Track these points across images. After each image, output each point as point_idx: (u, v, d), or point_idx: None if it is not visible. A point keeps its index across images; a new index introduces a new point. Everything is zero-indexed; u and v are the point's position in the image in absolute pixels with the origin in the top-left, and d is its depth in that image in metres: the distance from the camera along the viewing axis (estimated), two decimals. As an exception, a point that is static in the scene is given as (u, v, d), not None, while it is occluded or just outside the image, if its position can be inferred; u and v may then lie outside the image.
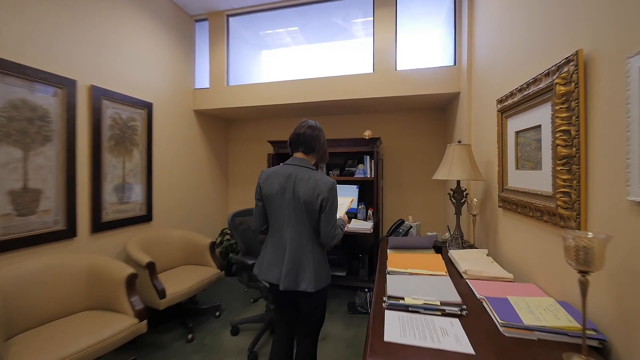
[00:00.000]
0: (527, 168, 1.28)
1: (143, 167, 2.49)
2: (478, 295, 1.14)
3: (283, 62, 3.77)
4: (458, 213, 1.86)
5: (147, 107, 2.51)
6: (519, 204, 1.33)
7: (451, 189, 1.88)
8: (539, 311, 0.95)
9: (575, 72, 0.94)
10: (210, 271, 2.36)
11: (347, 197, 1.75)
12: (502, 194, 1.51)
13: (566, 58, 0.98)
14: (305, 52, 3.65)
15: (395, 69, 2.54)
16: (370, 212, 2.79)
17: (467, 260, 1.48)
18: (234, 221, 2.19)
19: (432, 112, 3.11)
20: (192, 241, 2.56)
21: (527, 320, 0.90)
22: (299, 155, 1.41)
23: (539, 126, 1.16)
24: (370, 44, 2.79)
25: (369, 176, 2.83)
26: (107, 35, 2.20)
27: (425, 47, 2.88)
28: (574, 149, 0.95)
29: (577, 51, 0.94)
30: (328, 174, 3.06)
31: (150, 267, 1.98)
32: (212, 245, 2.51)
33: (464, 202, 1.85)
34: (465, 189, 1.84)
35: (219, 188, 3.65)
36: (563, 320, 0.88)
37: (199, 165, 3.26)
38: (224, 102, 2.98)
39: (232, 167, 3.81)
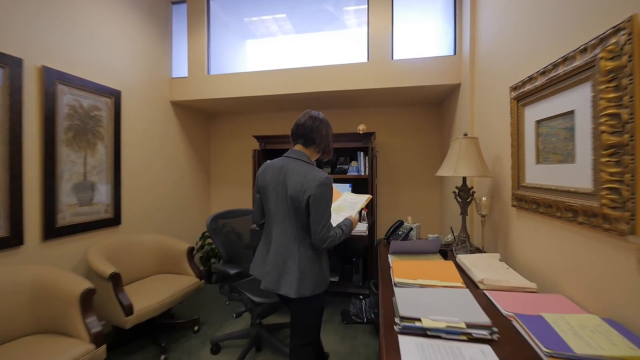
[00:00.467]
0: (553, 162, 1.11)
1: (109, 164, 2.18)
2: (504, 312, 0.96)
3: (270, 52, 3.52)
4: (464, 213, 1.69)
5: (115, 95, 2.21)
6: (542, 203, 1.16)
7: (456, 187, 1.71)
8: (586, 334, 0.77)
9: (629, 42, 0.77)
10: (187, 280, 2.10)
11: (362, 195, 1.55)
12: (517, 192, 1.35)
13: (614, 27, 0.82)
14: (294, 42, 3.42)
15: (392, 58, 2.36)
16: (364, 212, 2.60)
17: (479, 267, 1.31)
18: (215, 224, 1.94)
19: (428, 106, 2.96)
20: (167, 247, 2.28)
21: (578, 347, 0.72)
22: (297, 147, 1.31)
23: (572, 112, 1.00)
24: (363, 35, 2.60)
25: (362, 174, 2.64)
26: (67, 12, 1.89)
27: (421, 36, 2.72)
28: (626, 135, 0.79)
29: (631, 17, 0.77)
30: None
31: (115, 279, 1.70)
32: (190, 251, 2.25)
33: (470, 201, 1.68)
34: (472, 187, 1.68)
35: (200, 188, 3.36)
36: (622, 347, 0.71)
37: (176, 163, 2.96)
38: (204, 92, 2.71)
39: (215, 165, 3.53)
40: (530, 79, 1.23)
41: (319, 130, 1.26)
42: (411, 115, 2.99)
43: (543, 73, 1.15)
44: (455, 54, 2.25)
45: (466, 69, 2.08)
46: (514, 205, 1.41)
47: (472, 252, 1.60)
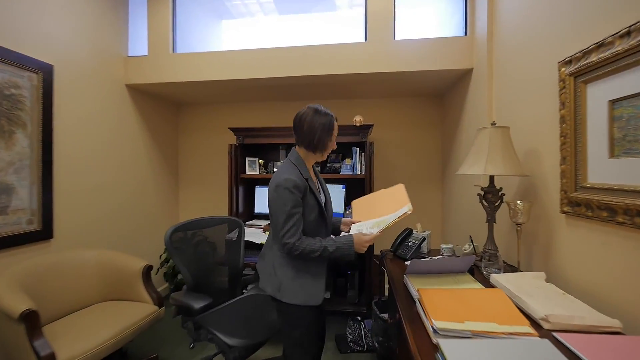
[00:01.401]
0: (646, 154, 0.81)
1: (36, 159, 1.67)
2: (613, 380, 0.63)
3: (249, 35, 3.08)
4: (491, 220, 1.38)
5: (43, 70, 1.70)
6: (622, 210, 0.86)
7: (482, 189, 1.40)
8: None
9: None
10: (142, 309, 1.63)
11: (401, 205, 1.14)
12: (574, 195, 1.05)
13: None
14: (277, 24, 3.01)
15: (394, 38, 2.03)
16: (360, 217, 2.25)
17: (530, 293, 0.99)
18: (184, 234, 1.48)
19: (429, 98, 2.67)
20: (117, 265, 1.79)
21: None
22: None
23: (692, 81, 0.70)
24: (355, 18, 2.28)
25: (358, 173, 2.29)
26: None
27: (425, 17, 2.42)
28: None
29: None
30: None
31: (29, 320, 1.22)
32: (147, 271, 1.78)
33: (498, 206, 1.38)
34: (501, 189, 1.38)
35: (166, 190, 2.85)
36: None
37: (135, 160, 2.46)
38: (167, 74, 2.23)
39: (184, 164, 3.03)
40: (600, 45, 0.93)
41: (301, 125, 1.15)
42: (410, 108, 2.69)
43: (626, 34, 0.84)
44: (466, 34, 1.97)
45: (481, 51, 1.79)
46: (564, 212, 1.11)
47: (505, 270, 1.29)
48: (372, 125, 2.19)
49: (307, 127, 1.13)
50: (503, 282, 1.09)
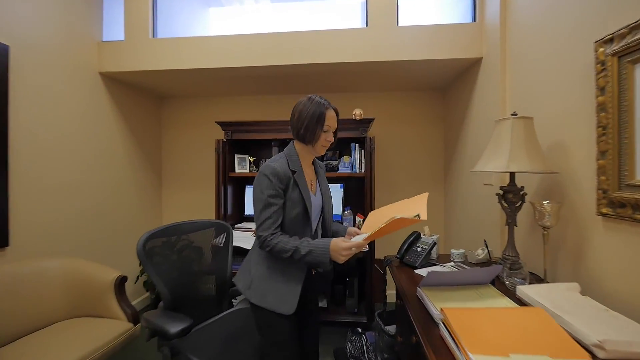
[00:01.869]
0: None
1: (-14, 155, 1.43)
2: None
3: (238, 24, 2.88)
4: (512, 223, 1.23)
5: (-4, 51, 1.46)
6: (689, 213, 0.72)
7: (501, 188, 1.25)
8: None
9: None
10: (114, 328, 1.42)
11: (413, 213, 0.94)
12: (618, 195, 0.91)
13: None
14: (268, 13, 2.82)
15: (397, 24, 1.87)
16: (359, 219, 2.08)
17: (567, 309, 0.84)
18: (165, 241, 1.27)
19: (431, 92, 2.53)
20: (85, 277, 1.57)
21: None
22: None
23: None
24: (353, 8, 2.11)
25: (358, 171, 2.12)
26: None
27: (427, 3, 2.27)
28: None
29: None
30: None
31: (-35, 349, 1.00)
32: (121, 282, 1.56)
33: (520, 207, 1.23)
34: (523, 188, 1.23)
35: (147, 191, 2.62)
36: None
37: (111, 157, 2.22)
38: (146, 62, 2.01)
39: (168, 161, 2.80)
40: (656, 17, 0.78)
41: (293, 113, 1.07)
42: (412, 102, 2.55)
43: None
44: (474, 20, 1.82)
45: (492, 37, 1.65)
46: (603, 214, 0.96)
47: (530, 280, 1.14)
48: (373, 119, 2.02)
49: (297, 116, 1.05)
50: (533, 296, 0.94)
